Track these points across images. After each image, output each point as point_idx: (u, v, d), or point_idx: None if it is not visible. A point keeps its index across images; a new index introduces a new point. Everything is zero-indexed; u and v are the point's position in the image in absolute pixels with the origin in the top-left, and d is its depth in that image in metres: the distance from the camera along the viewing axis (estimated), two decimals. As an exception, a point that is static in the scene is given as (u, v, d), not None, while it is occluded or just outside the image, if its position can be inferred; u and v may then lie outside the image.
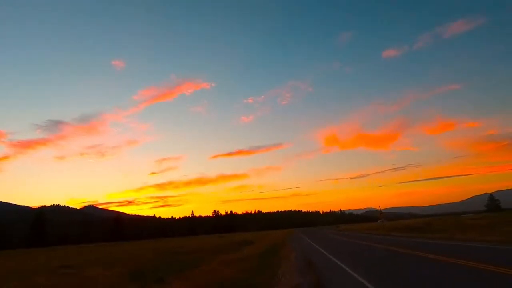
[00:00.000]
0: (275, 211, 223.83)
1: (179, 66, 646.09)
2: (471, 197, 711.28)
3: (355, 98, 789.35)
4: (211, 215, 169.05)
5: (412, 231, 27.34)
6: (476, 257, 9.77)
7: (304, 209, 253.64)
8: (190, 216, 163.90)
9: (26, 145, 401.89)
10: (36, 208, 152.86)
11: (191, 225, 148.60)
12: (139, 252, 29.58)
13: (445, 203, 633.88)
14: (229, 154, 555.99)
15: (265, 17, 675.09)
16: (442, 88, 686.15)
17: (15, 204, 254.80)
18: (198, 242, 44.07)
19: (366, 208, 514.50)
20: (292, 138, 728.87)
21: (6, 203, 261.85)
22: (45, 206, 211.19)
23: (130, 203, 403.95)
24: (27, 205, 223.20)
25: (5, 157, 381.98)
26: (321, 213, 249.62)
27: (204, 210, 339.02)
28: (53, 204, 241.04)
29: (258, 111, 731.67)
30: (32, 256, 38.72)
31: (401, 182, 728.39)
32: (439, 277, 7.45)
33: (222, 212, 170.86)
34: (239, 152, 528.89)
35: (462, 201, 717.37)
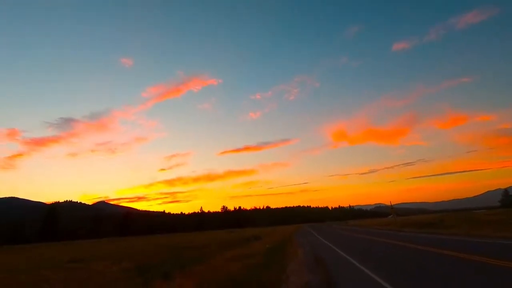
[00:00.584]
0: (284, 206, 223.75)
1: (187, 63, 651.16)
2: (484, 193, 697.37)
3: (364, 93, 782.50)
4: (219, 210, 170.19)
5: (425, 227, 26.55)
6: (495, 254, 9.21)
7: (313, 205, 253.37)
8: (199, 211, 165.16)
9: (39, 143, 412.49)
10: (50, 204, 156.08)
11: (200, 220, 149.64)
12: (147, 247, 29.66)
13: (457, 199, 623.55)
14: (237, 150, 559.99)
15: (272, 12, 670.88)
16: (454, 81, 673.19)
17: (29, 200, 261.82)
18: (206, 238, 44.13)
19: (376, 203, 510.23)
20: (300, 133, 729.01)
21: (21, 199, 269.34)
22: (58, 202, 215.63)
23: (140, 199, 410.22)
24: (41, 201, 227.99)
25: (19, 155, 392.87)
26: (330, 208, 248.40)
27: (213, 205, 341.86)
28: (66, 200, 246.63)
29: (266, 107, 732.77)
30: (43, 250, 39.35)
31: (411, 178, 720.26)
32: (459, 274, 6.97)
33: (231, 207, 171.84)
34: (247, 148, 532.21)
35: (475, 196, 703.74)
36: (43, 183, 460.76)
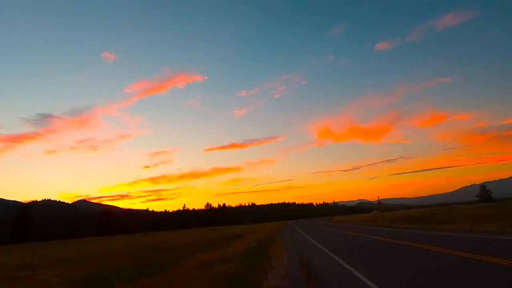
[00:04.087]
0: (269, 203, 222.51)
1: (171, 59, 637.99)
2: (460, 188, 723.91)
3: (348, 91, 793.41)
4: (203, 208, 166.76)
5: (416, 222, 25.00)
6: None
7: (298, 202, 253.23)
8: (183, 209, 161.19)
9: (15, 140, 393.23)
10: (27, 203, 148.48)
11: (184, 218, 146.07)
12: (116, 249, 26.97)
13: (436, 194, 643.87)
14: (223, 147, 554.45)
15: (258, 10, 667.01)
16: (434, 80, 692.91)
17: (4, 199, 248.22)
18: (185, 237, 41.53)
19: (359, 199, 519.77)
20: (285, 131, 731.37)
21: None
22: (36, 201, 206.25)
23: (123, 197, 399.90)
24: (18, 200, 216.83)
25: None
26: (315, 205, 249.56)
27: (198, 203, 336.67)
28: (44, 199, 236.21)
29: (252, 104, 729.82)
30: (4, 253, 35.81)
31: (392, 174, 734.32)
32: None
33: (215, 205, 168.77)
34: (233, 145, 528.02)
35: (451, 192, 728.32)
36: (19, 182, 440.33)
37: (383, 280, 6.31)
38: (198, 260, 13.08)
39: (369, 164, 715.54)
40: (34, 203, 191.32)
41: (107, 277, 10.79)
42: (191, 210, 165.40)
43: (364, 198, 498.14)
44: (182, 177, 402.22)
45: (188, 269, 10.30)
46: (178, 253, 18.41)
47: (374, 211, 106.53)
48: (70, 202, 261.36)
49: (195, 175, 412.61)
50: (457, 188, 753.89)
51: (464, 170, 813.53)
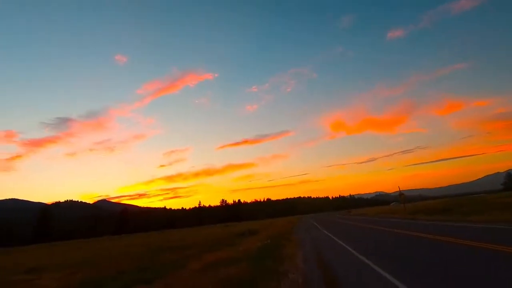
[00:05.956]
0: (284, 198, 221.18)
1: (182, 58, 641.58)
2: (483, 177, 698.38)
3: (360, 82, 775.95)
4: (219, 204, 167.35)
5: (441, 213, 22.99)
6: None
7: (313, 195, 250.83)
8: (198, 206, 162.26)
9: (37, 144, 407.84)
10: (51, 204, 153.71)
11: (200, 215, 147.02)
12: (127, 249, 26.33)
13: (455, 184, 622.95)
14: (236, 143, 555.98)
15: (265, 5, 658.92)
16: (449, 67, 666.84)
17: (30, 201, 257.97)
18: (199, 234, 40.83)
19: (376, 192, 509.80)
20: (298, 125, 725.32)
21: (22, 200, 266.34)
22: (59, 202, 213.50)
23: (141, 196, 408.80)
24: (42, 202, 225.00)
25: (17, 156, 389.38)
26: (331, 198, 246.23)
27: (214, 200, 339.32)
28: (67, 200, 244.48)
29: (263, 100, 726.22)
30: (21, 254, 36.27)
31: (409, 165, 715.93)
32: None
33: (230, 201, 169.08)
34: (245, 142, 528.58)
35: (472, 181, 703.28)
36: (43, 184, 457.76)
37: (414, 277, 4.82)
38: (205, 261, 11.93)
39: (385, 156, 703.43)
40: (57, 204, 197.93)
41: (103, 283, 9.77)
42: (206, 207, 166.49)
43: (381, 190, 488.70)
44: (196, 174, 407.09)
45: (192, 272, 9.14)
46: (186, 253, 17.43)
47: (393, 203, 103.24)
48: (91, 202, 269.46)
49: (209, 172, 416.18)
50: (479, 177, 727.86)
51: (486, 158, 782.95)
